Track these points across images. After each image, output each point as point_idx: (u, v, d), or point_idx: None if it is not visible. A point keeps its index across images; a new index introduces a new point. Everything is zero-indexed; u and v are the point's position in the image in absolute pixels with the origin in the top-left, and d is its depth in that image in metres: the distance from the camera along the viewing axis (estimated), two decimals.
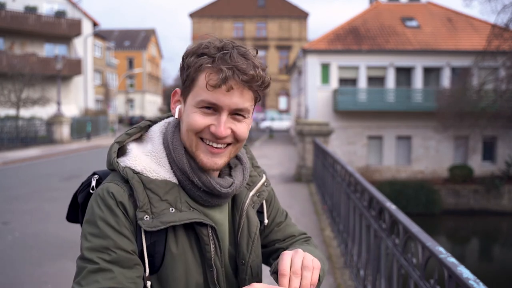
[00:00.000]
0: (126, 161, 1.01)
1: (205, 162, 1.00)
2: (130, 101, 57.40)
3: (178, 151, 1.02)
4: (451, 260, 1.71)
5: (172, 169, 1.03)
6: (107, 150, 1.04)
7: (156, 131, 1.09)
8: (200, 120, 0.98)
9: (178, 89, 1.04)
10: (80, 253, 0.94)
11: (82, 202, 1.09)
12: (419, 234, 2.11)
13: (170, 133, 1.05)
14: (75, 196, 1.12)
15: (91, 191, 1.05)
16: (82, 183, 1.10)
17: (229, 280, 1.09)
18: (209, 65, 0.95)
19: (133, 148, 1.04)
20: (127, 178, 0.98)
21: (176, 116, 1.04)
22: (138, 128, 1.09)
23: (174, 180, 1.02)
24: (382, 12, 24.74)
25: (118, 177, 1.00)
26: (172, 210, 0.98)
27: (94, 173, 1.09)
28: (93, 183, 1.06)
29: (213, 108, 0.97)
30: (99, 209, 0.95)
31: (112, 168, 1.02)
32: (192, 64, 0.97)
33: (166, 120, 1.13)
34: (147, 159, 1.02)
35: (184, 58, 1.00)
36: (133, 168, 1.00)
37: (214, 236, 1.02)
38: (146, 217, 0.95)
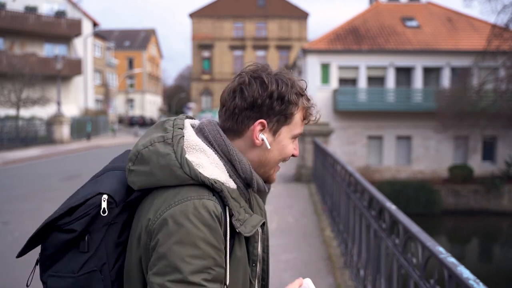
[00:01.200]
0: (205, 173, 1.00)
1: (273, 178, 1.15)
2: (130, 101, 57.40)
3: (244, 163, 1.07)
4: (451, 260, 1.71)
5: (230, 177, 1.07)
6: (163, 164, 0.98)
7: (199, 141, 1.06)
8: (291, 148, 1.13)
9: (264, 121, 1.07)
10: (166, 277, 0.91)
11: (82, 230, 0.98)
12: (419, 234, 2.11)
13: (230, 146, 1.07)
14: (48, 226, 1.02)
15: (102, 214, 0.99)
16: (74, 208, 0.99)
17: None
18: (305, 105, 1.11)
19: (202, 158, 1.03)
20: (218, 190, 0.98)
21: (269, 146, 1.08)
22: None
23: (235, 187, 1.07)
24: (382, 12, 24.74)
25: (202, 190, 0.98)
26: (247, 215, 1.04)
27: (100, 193, 1.00)
28: (104, 204, 0.99)
29: None
30: (197, 229, 0.92)
31: (178, 184, 0.98)
32: (293, 101, 1.08)
33: (187, 129, 1.08)
34: (216, 170, 1.03)
35: (272, 90, 1.05)
36: (218, 179, 1.01)
37: (264, 233, 1.13)
38: (240, 225, 1.00)
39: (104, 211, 0.99)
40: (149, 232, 0.95)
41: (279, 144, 1.10)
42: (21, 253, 1.06)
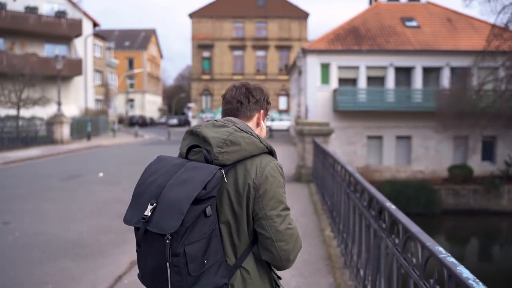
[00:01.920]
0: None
1: None
2: (130, 101, 57.41)
3: (262, 140, 1.58)
4: (451, 260, 1.71)
5: None
6: (249, 142, 1.51)
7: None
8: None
9: (263, 110, 1.74)
10: (279, 209, 1.50)
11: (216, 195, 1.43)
12: (419, 234, 2.11)
13: (254, 131, 1.61)
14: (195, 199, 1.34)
15: (225, 181, 1.45)
16: (209, 182, 1.36)
17: None
18: (270, 105, 1.79)
19: None
20: (275, 154, 1.59)
21: (264, 126, 1.77)
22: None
23: None
24: (382, 12, 24.74)
25: (269, 156, 1.57)
26: None
27: (220, 169, 1.42)
28: (224, 175, 1.44)
29: None
30: (281, 177, 1.54)
31: (260, 152, 1.53)
32: (269, 102, 1.77)
33: (233, 124, 1.59)
34: None
35: (265, 95, 1.75)
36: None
37: None
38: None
39: (226, 179, 1.46)
40: (255, 186, 1.48)
41: (265, 125, 1.78)
42: (175, 226, 1.30)
